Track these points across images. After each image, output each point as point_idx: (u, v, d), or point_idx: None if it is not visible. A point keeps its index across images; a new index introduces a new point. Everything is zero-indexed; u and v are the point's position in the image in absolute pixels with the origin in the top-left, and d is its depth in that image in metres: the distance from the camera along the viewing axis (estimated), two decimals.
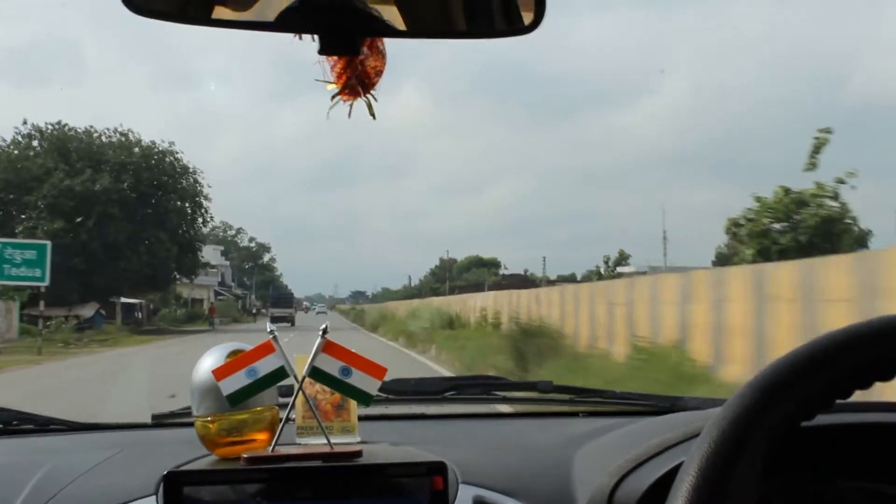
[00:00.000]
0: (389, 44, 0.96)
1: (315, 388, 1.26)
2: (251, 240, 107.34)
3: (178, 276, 45.89)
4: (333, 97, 0.97)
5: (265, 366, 1.15)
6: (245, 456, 1.12)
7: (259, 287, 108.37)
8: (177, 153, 42.34)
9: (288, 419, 1.19)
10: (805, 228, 15.27)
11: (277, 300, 59.91)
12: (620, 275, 39.83)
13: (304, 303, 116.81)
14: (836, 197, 15.33)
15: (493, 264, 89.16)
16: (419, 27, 0.94)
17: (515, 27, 0.97)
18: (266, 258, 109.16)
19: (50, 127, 39.26)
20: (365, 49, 0.94)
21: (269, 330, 1.18)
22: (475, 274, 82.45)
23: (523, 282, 58.17)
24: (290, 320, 51.48)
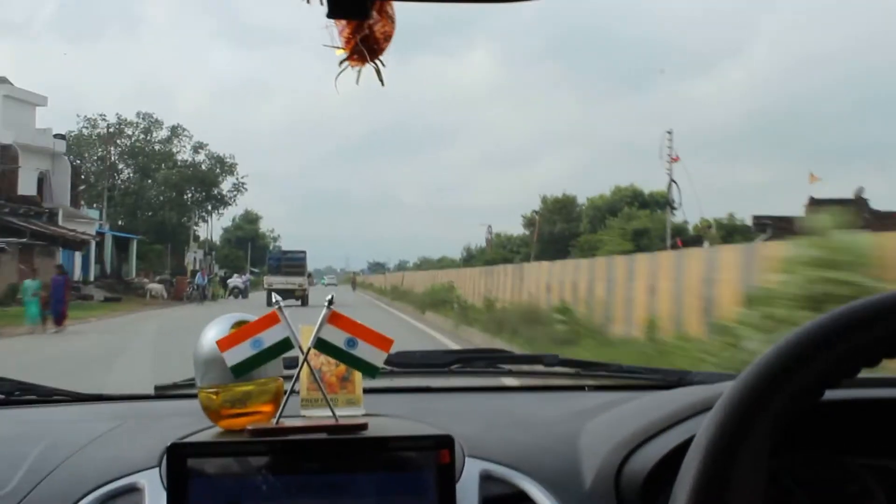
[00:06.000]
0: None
1: (320, 360, 1.25)
2: (198, 148, 59.13)
3: None
4: (341, 63, 0.94)
5: (270, 337, 1.14)
6: (249, 428, 1.12)
7: (236, 245, 70.16)
8: None
9: (293, 391, 1.18)
10: None
11: (279, 263, 37.07)
12: None
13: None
14: None
15: (659, 201, 46.29)
16: None
17: None
18: (226, 185, 60.56)
19: None
20: (374, 13, 0.91)
21: (275, 301, 1.16)
22: (618, 220, 44.04)
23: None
24: (301, 297, 32.36)
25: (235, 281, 45.70)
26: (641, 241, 37.20)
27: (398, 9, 0.93)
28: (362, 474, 1.06)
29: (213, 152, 60.70)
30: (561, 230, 53.08)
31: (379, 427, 1.15)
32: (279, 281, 33.49)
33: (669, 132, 38.74)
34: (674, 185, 37.37)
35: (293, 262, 36.81)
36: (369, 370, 1.17)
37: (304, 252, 38.47)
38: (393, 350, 1.21)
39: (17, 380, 1.61)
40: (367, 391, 1.30)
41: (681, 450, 0.75)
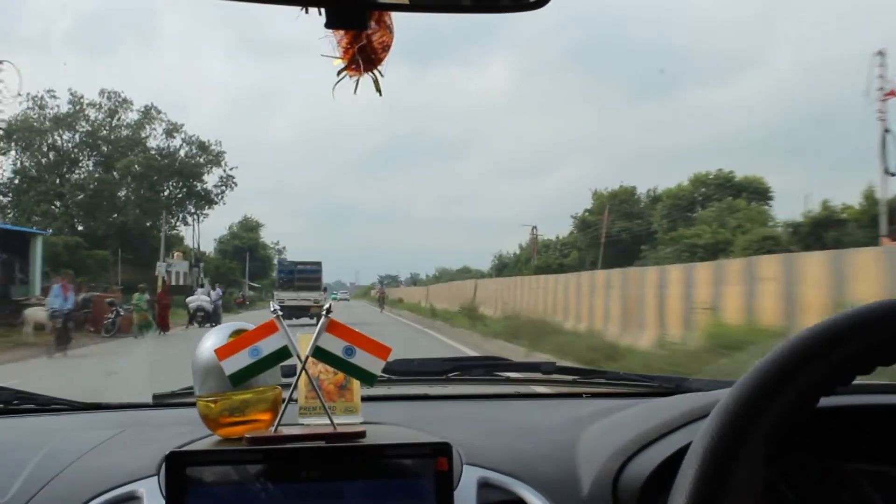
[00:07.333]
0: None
1: (318, 368, 1.26)
2: (172, 131, 47.00)
3: None
4: (339, 72, 0.95)
5: (268, 345, 1.14)
6: (247, 436, 1.12)
7: (232, 256, 59.55)
8: None
9: (291, 399, 1.19)
10: None
11: (291, 277, 31.61)
12: None
13: None
14: None
15: (757, 189, 40.63)
16: (426, 0, 0.92)
17: (521, 2, 0.95)
18: (212, 177, 48.23)
19: None
20: (372, 23, 0.92)
21: (272, 309, 1.17)
22: (712, 209, 36.91)
23: None
24: (317, 314, 18.99)
25: (199, 299, 27.59)
26: (826, 235, 26.43)
27: (415, 20, 0.94)
28: (360, 482, 1.06)
29: (191, 136, 47.35)
30: (621, 229, 43.43)
31: (377, 435, 1.15)
32: (291, 297, 28.49)
33: (881, 53, 25.74)
34: (887, 134, 24.82)
35: (307, 275, 31.35)
36: (367, 378, 1.18)
37: (319, 263, 32.51)
38: (391, 358, 1.22)
39: (15, 388, 1.61)
40: (365, 399, 1.31)
41: (678, 457, 0.75)
